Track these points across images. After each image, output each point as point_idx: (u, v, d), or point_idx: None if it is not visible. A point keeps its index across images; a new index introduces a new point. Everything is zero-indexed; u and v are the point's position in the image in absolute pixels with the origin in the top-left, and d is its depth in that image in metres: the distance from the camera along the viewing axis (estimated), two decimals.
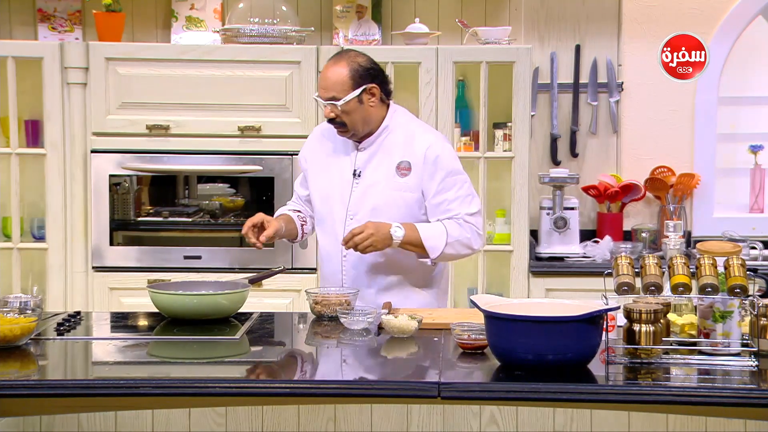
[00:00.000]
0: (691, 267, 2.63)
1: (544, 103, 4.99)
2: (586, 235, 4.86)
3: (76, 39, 4.75)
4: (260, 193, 4.53)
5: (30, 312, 2.83)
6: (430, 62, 4.53)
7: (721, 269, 2.61)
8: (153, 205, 4.64)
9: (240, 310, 3.18)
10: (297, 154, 4.45)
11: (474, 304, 2.57)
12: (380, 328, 2.96)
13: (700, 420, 2.90)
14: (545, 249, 4.72)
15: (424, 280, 3.45)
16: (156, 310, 3.16)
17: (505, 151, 4.64)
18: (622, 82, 4.96)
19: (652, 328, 2.52)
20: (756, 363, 2.52)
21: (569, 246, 4.72)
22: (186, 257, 4.55)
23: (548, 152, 5.02)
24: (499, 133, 4.67)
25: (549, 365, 2.43)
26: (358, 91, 3.28)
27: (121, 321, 3.40)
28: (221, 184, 4.63)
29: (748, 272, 2.60)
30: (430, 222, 3.36)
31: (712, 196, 5.01)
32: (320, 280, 3.66)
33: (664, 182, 4.92)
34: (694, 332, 2.66)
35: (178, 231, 4.61)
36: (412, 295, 3.42)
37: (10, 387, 2.41)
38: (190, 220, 4.61)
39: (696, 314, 2.66)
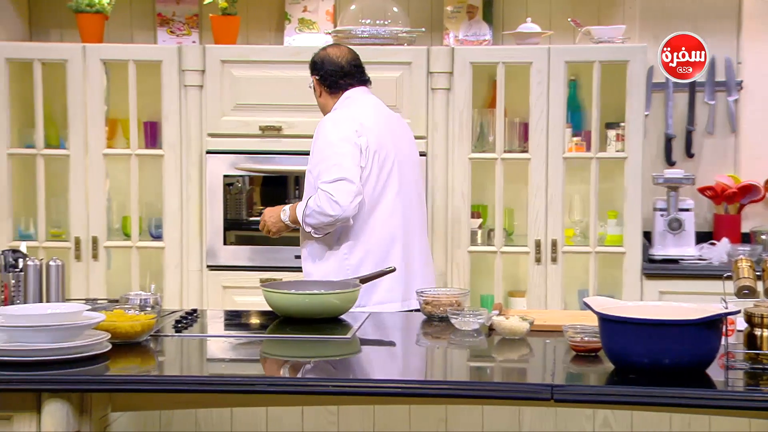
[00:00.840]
0: None
1: (659, 103, 4.89)
2: (702, 237, 4.75)
3: (193, 42, 4.86)
4: None
5: (149, 309, 2.90)
6: (541, 62, 4.49)
7: None
8: (264, 205, 4.69)
9: (350, 310, 3.21)
10: None
11: (588, 307, 2.54)
12: (491, 329, 2.95)
13: None
14: (659, 251, 4.63)
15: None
16: (268, 309, 3.21)
17: (617, 151, 4.57)
18: (742, 81, 4.83)
19: None
20: None
21: (684, 248, 4.62)
22: (296, 257, 4.60)
23: (662, 152, 4.92)
24: (611, 133, 4.60)
25: (665, 369, 2.38)
26: (311, 81, 3.77)
27: (235, 319, 3.46)
28: None
29: None
30: None
31: None
32: None
33: None
34: None
35: (290, 231, 4.66)
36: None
37: (131, 382, 2.47)
38: None
39: None
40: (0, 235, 4.61)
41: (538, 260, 4.55)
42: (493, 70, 4.58)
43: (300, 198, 4.65)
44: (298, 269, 4.53)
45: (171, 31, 4.89)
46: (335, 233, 3.62)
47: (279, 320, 3.15)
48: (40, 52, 4.63)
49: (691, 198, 4.71)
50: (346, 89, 3.73)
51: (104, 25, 4.72)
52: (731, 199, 4.81)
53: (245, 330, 3.22)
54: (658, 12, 4.85)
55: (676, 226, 4.60)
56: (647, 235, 4.68)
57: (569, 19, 4.67)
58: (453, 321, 2.98)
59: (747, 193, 4.81)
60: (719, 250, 4.62)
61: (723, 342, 2.45)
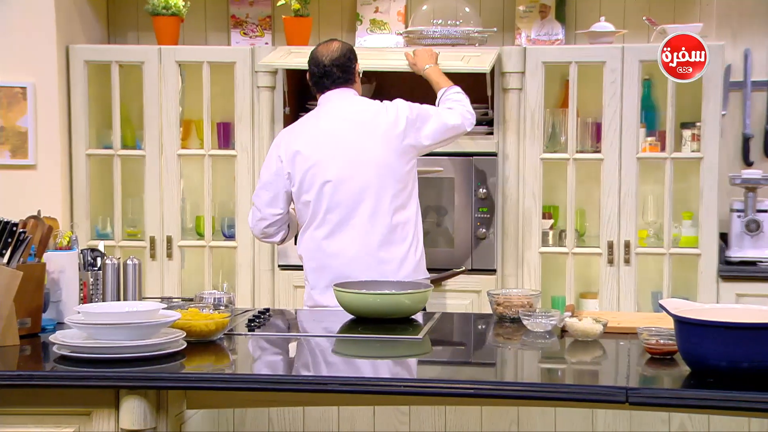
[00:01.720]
0: None
1: (736, 102, 4.80)
2: None
3: (266, 43, 4.91)
4: (439, 194, 4.54)
5: (223, 308, 2.94)
6: (615, 62, 4.44)
7: None
8: None
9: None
10: (476, 155, 4.48)
11: (663, 309, 2.50)
12: (563, 330, 2.92)
13: None
14: (736, 253, 4.55)
15: None
16: (339, 308, 3.22)
17: (693, 151, 4.50)
18: None
19: None
20: None
21: (762, 250, 4.53)
22: None
23: (740, 152, 4.83)
24: (686, 133, 4.53)
25: (743, 373, 2.34)
26: None
27: (306, 318, 3.48)
28: None
29: None
30: None
31: None
32: None
33: None
34: None
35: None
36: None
37: (206, 380, 2.50)
38: None
39: None
40: (79, 234, 4.70)
41: (610, 261, 4.50)
42: (565, 69, 4.54)
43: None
44: None
45: (244, 33, 4.94)
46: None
47: (351, 320, 3.16)
48: (118, 54, 4.72)
49: None
50: (327, 90, 3.77)
51: (179, 27, 4.79)
52: None
53: (316, 329, 3.23)
54: (735, 9, 4.77)
55: (753, 227, 4.51)
56: (723, 237, 4.61)
57: (644, 18, 4.61)
58: (525, 322, 2.96)
59: None
60: None
61: None
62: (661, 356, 2.61)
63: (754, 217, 4.52)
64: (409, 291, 3.18)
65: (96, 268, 3.11)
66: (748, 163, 4.81)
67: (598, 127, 4.58)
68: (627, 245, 4.49)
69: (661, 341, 2.61)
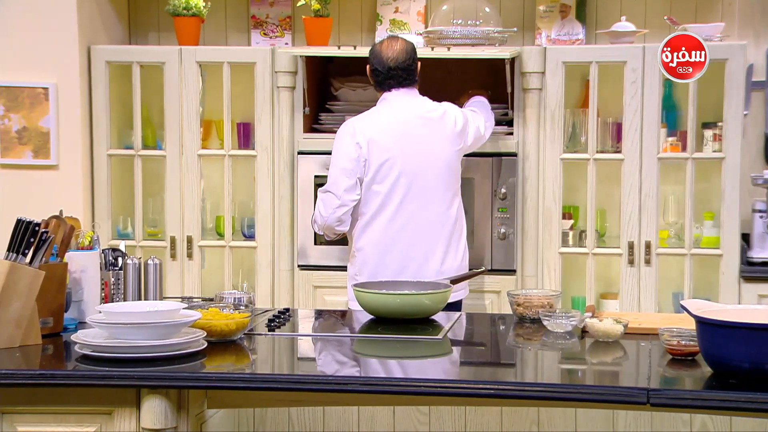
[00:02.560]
0: None
1: (759, 102, 4.77)
2: None
3: (286, 44, 4.92)
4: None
5: (243, 308, 2.94)
6: (636, 61, 4.42)
7: None
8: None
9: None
10: (496, 155, 4.47)
11: (685, 310, 2.49)
12: (584, 331, 2.92)
13: None
14: (758, 254, 4.52)
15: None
16: (359, 308, 3.22)
17: (714, 151, 4.48)
18: None
19: None
20: None
21: None
22: None
23: (762, 153, 4.80)
24: (708, 133, 4.51)
25: (766, 374, 2.32)
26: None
27: (326, 318, 3.48)
28: None
29: None
30: None
31: None
32: None
33: None
34: None
35: None
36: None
37: (227, 380, 2.51)
38: None
39: None
40: (100, 234, 4.71)
41: (631, 262, 4.48)
42: (585, 69, 4.53)
43: None
44: None
45: (264, 33, 4.95)
46: (349, 239, 3.94)
47: (370, 320, 3.17)
48: (139, 55, 4.74)
49: None
50: (389, 90, 3.92)
51: (200, 27, 4.80)
52: None
53: (336, 330, 3.24)
54: (758, 9, 4.73)
55: None
56: (745, 237, 4.58)
57: (665, 17, 4.58)
58: (545, 323, 2.96)
59: None
60: None
61: None
62: (682, 357, 2.60)
63: None
64: (430, 291, 3.18)
65: (117, 268, 3.12)
66: None
67: (618, 127, 4.56)
68: (648, 246, 4.47)
69: (683, 342, 2.60)
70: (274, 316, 3.15)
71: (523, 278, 4.51)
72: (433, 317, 3.18)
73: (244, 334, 2.89)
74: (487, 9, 4.66)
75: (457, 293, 3.81)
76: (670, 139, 4.53)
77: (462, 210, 3.99)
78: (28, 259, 2.78)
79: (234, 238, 4.77)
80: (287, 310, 3.30)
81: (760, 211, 4.54)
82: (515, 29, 4.66)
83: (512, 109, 4.51)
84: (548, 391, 2.42)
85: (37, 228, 2.78)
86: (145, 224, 4.81)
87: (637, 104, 4.44)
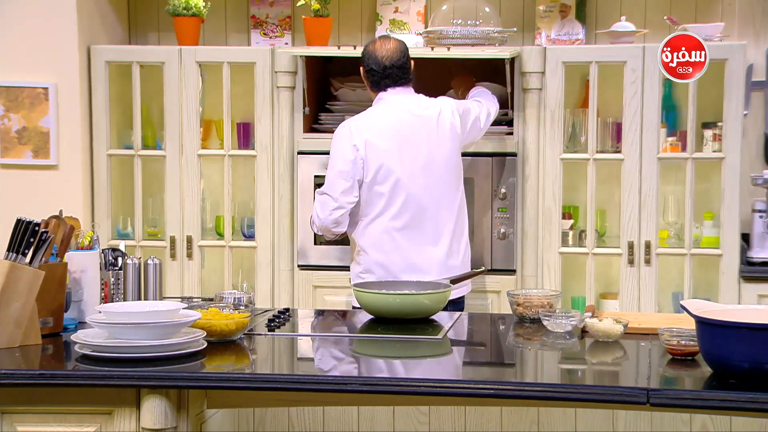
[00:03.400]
0: None
1: (759, 102, 4.77)
2: None
3: (286, 44, 4.92)
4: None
5: (243, 308, 2.94)
6: (636, 61, 4.42)
7: None
8: None
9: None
10: (496, 155, 4.47)
11: (685, 310, 2.49)
12: (584, 331, 2.92)
13: None
14: (758, 253, 4.52)
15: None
16: (358, 308, 3.22)
17: (714, 151, 4.48)
18: None
19: None
20: None
21: None
22: None
23: (762, 153, 4.80)
24: (708, 133, 4.51)
25: (766, 374, 2.32)
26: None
27: (326, 318, 3.49)
28: None
29: None
30: None
31: None
32: None
33: None
34: None
35: None
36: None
37: (227, 380, 2.51)
38: None
39: None
40: (100, 234, 4.72)
41: (630, 262, 4.48)
42: (585, 69, 4.53)
43: None
44: None
45: (264, 33, 4.95)
46: (351, 240, 3.95)
47: (370, 320, 3.17)
48: (139, 55, 4.74)
49: None
50: (385, 89, 3.90)
51: (200, 27, 4.80)
52: None
53: (336, 329, 3.24)
54: (758, 9, 4.73)
55: None
56: (745, 237, 4.58)
57: (665, 17, 4.58)
58: (545, 323, 2.96)
59: None
60: None
61: None
62: (682, 357, 2.60)
63: None
64: (429, 291, 3.18)
65: (117, 268, 3.12)
66: None
67: (618, 127, 4.56)
68: (648, 246, 4.47)
69: (683, 342, 2.60)
70: (273, 316, 3.15)
71: (523, 278, 4.51)
72: (433, 317, 3.18)
73: (244, 334, 2.89)
74: (486, 9, 4.66)
75: (459, 290, 3.82)
76: (670, 139, 4.53)
77: (464, 206, 3.99)
78: (28, 259, 2.78)
79: (234, 238, 4.77)
80: (287, 310, 3.30)
81: (759, 211, 4.54)
82: (515, 29, 4.66)
83: (512, 109, 4.51)
84: (548, 391, 2.42)
85: (37, 228, 2.78)
86: (144, 224, 4.81)
87: (637, 104, 4.44)
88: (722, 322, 2.38)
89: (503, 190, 4.44)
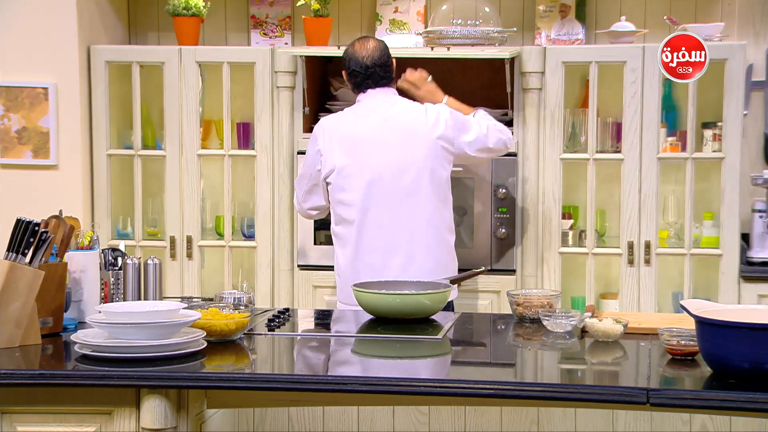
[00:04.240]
0: None
1: (759, 102, 4.77)
2: None
3: (286, 44, 4.92)
4: (458, 194, 4.53)
5: (243, 308, 2.94)
6: (635, 61, 4.42)
7: None
8: None
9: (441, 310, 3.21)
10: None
11: (685, 310, 2.49)
12: (584, 331, 2.92)
13: None
14: (758, 253, 4.52)
15: None
16: (358, 308, 3.22)
17: (714, 151, 4.48)
18: None
19: None
20: None
21: None
22: None
23: (762, 152, 4.80)
24: (708, 133, 4.51)
25: (766, 374, 2.32)
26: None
27: (326, 318, 3.49)
28: None
29: None
30: None
31: None
32: None
33: None
34: None
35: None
36: None
37: (227, 379, 2.51)
38: None
39: None
40: (100, 234, 4.72)
41: (630, 262, 4.48)
42: (585, 69, 4.53)
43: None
44: None
45: (264, 33, 4.95)
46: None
47: (370, 320, 3.17)
48: (139, 55, 4.74)
49: None
50: (366, 90, 3.85)
51: (200, 27, 4.80)
52: None
53: (336, 329, 3.24)
54: (758, 9, 4.73)
55: None
56: (745, 237, 4.58)
57: (665, 17, 4.58)
58: (545, 323, 2.96)
59: None
60: None
61: None
62: (682, 357, 2.60)
63: None
64: (429, 291, 3.18)
65: (117, 268, 3.12)
66: None
67: (618, 127, 4.56)
68: (647, 246, 4.47)
69: (683, 342, 2.60)
70: (273, 315, 3.15)
71: (523, 278, 4.51)
72: (433, 317, 3.18)
73: (244, 334, 2.89)
74: (486, 9, 4.66)
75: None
76: (669, 139, 4.53)
77: (445, 216, 3.82)
78: (27, 258, 2.78)
79: (234, 237, 4.77)
80: (287, 309, 3.30)
81: (759, 211, 4.54)
82: (515, 29, 4.66)
83: (512, 109, 4.51)
84: (548, 391, 2.42)
85: (36, 228, 2.77)
86: (144, 224, 4.81)
87: (637, 104, 4.44)
88: (722, 322, 2.38)
89: (503, 191, 4.44)
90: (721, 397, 2.31)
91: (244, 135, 4.86)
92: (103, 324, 2.65)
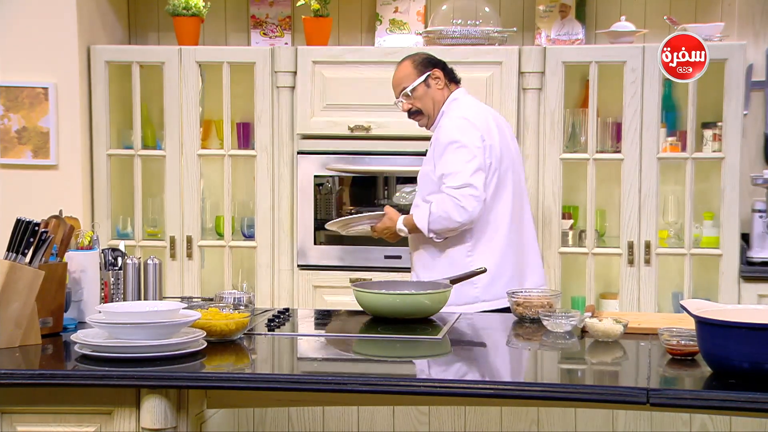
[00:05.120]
0: None
1: (758, 102, 4.78)
2: None
3: (286, 44, 4.92)
4: None
5: (243, 308, 2.94)
6: (635, 61, 4.42)
7: None
8: (354, 205, 4.74)
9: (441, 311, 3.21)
10: None
11: (685, 310, 2.49)
12: (584, 331, 2.92)
13: None
14: (758, 253, 4.52)
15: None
16: (358, 308, 3.22)
17: (714, 151, 4.48)
18: None
19: None
20: None
21: None
22: (386, 257, 4.62)
23: (762, 153, 4.80)
24: (708, 133, 4.51)
25: (766, 374, 2.32)
26: (423, 77, 3.66)
27: (326, 318, 3.48)
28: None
29: None
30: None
31: None
32: None
33: None
34: None
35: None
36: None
37: (227, 379, 2.51)
38: None
39: None
40: (100, 234, 4.72)
41: (630, 262, 4.48)
42: (585, 69, 4.53)
43: (388, 197, 4.68)
44: (388, 269, 4.57)
45: (264, 33, 4.95)
46: (454, 239, 3.60)
47: (369, 320, 3.16)
48: (139, 55, 4.74)
49: None
50: (457, 85, 3.73)
51: (200, 27, 4.80)
52: None
53: (336, 329, 3.24)
54: (757, 8, 4.74)
55: None
56: (745, 237, 4.58)
57: (665, 17, 4.59)
58: (545, 322, 2.96)
59: None
60: None
61: None
62: (682, 357, 2.60)
63: None
64: (429, 291, 3.18)
65: (117, 268, 3.12)
66: None
67: (618, 127, 4.57)
68: (647, 245, 4.47)
69: (683, 342, 2.60)
70: (273, 315, 3.15)
71: None
72: (432, 317, 3.18)
73: (244, 334, 2.89)
74: (486, 9, 4.66)
75: None
76: (669, 139, 4.53)
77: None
78: (27, 258, 2.77)
79: (234, 237, 4.77)
80: (287, 310, 3.30)
81: (759, 211, 4.54)
82: (515, 29, 4.66)
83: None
84: (548, 391, 2.42)
85: (36, 228, 2.77)
86: (144, 224, 4.81)
87: (637, 104, 4.44)
88: (722, 322, 2.38)
89: None
90: (721, 397, 2.31)
91: (244, 135, 4.86)
92: (103, 324, 2.65)
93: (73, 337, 2.67)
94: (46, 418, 2.53)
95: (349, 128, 4.58)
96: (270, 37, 4.95)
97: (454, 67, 4.42)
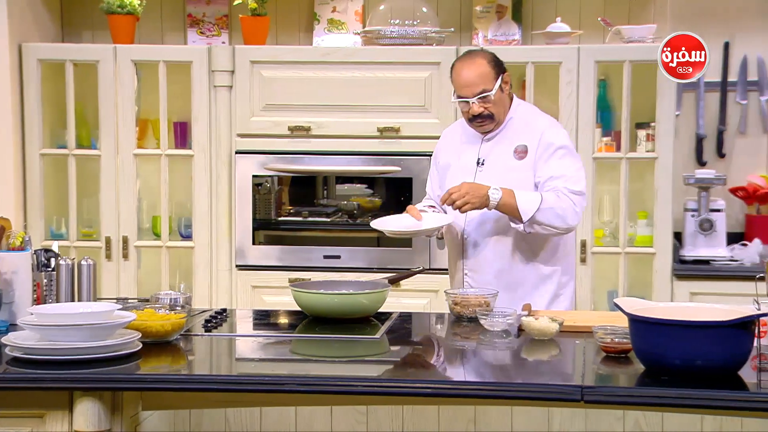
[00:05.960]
0: None
1: (690, 103, 4.86)
2: (734, 238, 4.71)
3: (223, 43, 4.88)
4: (398, 193, 4.55)
5: (179, 309, 2.92)
6: (571, 62, 4.47)
7: None
8: (293, 205, 4.73)
9: (379, 310, 3.21)
10: (427, 156, 4.48)
11: (618, 307, 2.53)
12: (520, 330, 2.94)
13: None
14: (690, 252, 4.60)
15: (544, 257, 3.53)
16: (297, 309, 3.21)
17: (647, 151, 4.54)
18: None
19: None
20: None
21: (715, 249, 4.59)
22: (326, 257, 4.62)
23: (693, 153, 4.89)
24: (641, 133, 4.57)
25: (697, 371, 2.37)
26: (499, 80, 3.44)
27: (264, 319, 3.47)
28: (359, 185, 4.67)
29: None
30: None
31: None
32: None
33: None
34: None
35: (318, 231, 4.68)
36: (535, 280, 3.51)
37: (162, 381, 2.49)
38: (329, 220, 4.67)
39: None
40: (32, 234, 4.63)
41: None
42: (522, 70, 4.57)
43: (327, 197, 4.68)
44: (327, 269, 4.57)
45: (201, 32, 4.91)
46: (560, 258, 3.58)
47: (308, 320, 3.16)
48: (72, 53, 4.67)
49: (723, 198, 4.68)
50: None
51: (135, 26, 4.75)
52: (763, 199, 4.76)
53: (274, 330, 3.22)
54: (688, 11, 4.82)
55: (707, 226, 4.57)
56: (678, 236, 4.66)
57: (599, 19, 4.64)
58: (482, 322, 2.98)
59: None
60: (751, 251, 4.58)
61: (755, 344, 2.43)
62: (616, 355, 2.63)
63: (708, 216, 4.58)
64: (367, 291, 3.18)
65: (50, 269, 3.08)
66: (702, 163, 4.87)
67: None
68: (583, 245, 4.52)
69: (617, 340, 2.63)
70: (211, 316, 3.13)
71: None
72: (371, 317, 3.18)
73: (181, 335, 2.86)
74: (424, 9, 4.68)
75: None
76: (604, 139, 4.59)
77: None
78: None
79: (171, 238, 4.73)
80: (224, 310, 3.28)
81: (691, 210, 4.63)
82: (452, 29, 4.68)
83: None
84: (483, 389, 2.44)
85: None
86: (79, 224, 4.74)
87: (573, 104, 4.48)
88: (654, 319, 2.41)
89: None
90: (653, 394, 2.34)
91: (181, 134, 4.81)
92: (35, 326, 2.61)
93: (4, 339, 2.63)
94: None
95: (289, 128, 4.57)
96: (207, 36, 4.91)
97: (392, 67, 4.45)
